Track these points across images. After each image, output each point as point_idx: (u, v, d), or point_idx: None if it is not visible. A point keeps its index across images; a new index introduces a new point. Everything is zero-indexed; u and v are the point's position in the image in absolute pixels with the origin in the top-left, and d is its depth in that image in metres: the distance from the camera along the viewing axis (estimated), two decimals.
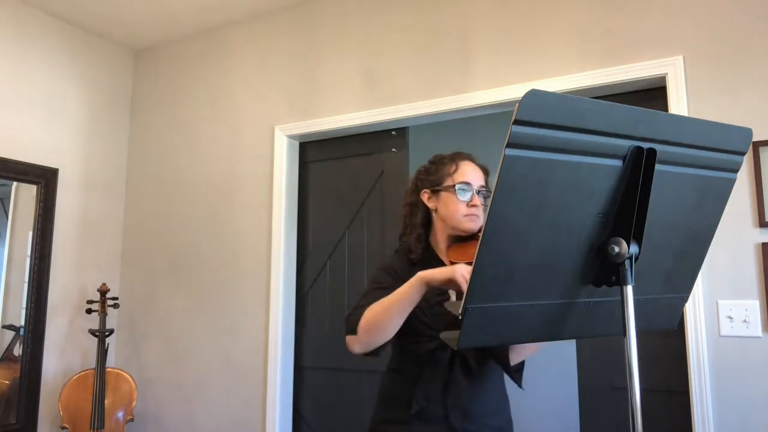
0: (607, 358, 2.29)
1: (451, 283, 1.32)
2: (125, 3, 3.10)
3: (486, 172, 1.63)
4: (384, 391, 1.60)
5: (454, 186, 1.55)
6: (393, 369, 1.60)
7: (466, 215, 1.54)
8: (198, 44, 3.43)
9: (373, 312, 1.42)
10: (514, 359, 1.47)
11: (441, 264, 1.57)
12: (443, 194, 1.57)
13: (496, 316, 0.87)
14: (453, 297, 1.38)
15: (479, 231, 1.55)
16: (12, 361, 2.95)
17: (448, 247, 1.59)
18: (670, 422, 2.14)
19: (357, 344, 1.46)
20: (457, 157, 1.62)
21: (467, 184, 1.55)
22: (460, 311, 0.86)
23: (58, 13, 3.20)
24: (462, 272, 1.31)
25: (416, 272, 1.51)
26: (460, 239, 1.59)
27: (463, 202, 1.54)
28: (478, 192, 1.57)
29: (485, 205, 1.59)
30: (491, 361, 1.52)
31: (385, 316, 1.40)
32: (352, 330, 1.46)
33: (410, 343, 1.54)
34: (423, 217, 1.61)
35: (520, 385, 1.53)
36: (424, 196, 1.61)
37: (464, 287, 1.29)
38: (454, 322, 1.51)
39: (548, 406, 3.58)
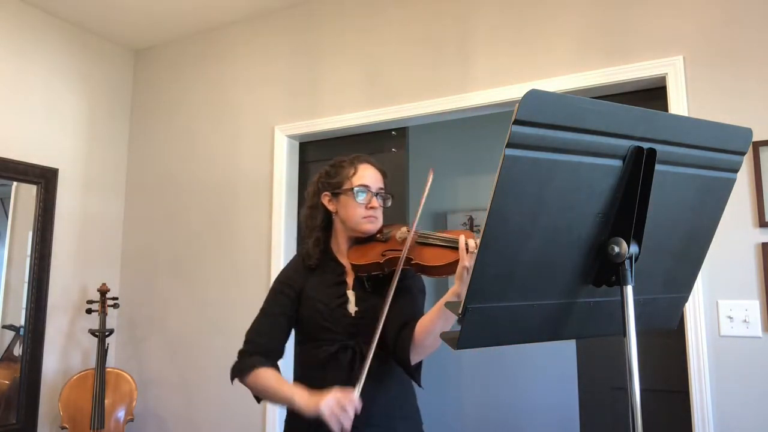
0: (607, 358, 2.29)
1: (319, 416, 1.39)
2: (125, 3, 3.10)
3: (384, 174, 1.68)
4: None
5: (352, 189, 1.59)
6: (298, 378, 1.63)
7: (365, 217, 1.59)
8: (198, 44, 3.43)
9: (255, 387, 1.56)
10: (414, 359, 1.49)
11: (339, 267, 1.63)
12: (342, 197, 1.61)
13: (495, 316, 0.87)
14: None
15: (378, 233, 1.60)
16: (12, 361, 2.95)
17: (349, 248, 1.63)
18: (670, 422, 2.14)
19: (242, 385, 1.60)
20: (356, 160, 1.66)
21: (365, 186, 1.60)
22: (460, 311, 0.86)
23: (58, 12, 3.20)
24: (327, 410, 1.36)
25: (314, 278, 1.61)
26: (360, 241, 1.63)
27: (362, 204, 1.59)
28: (377, 194, 1.62)
29: (384, 207, 1.64)
30: (391, 360, 1.54)
31: (262, 397, 1.57)
32: (239, 379, 1.58)
33: (312, 349, 1.58)
34: (323, 219, 1.66)
35: (419, 384, 1.57)
36: (325, 199, 1.65)
37: (331, 425, 1.35)
38: (354, 324, 1.52)
39: (548, 406, 3.58)
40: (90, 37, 3.42)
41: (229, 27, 3.33)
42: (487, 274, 0.84)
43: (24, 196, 3.05)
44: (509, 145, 0.77)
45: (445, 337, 0.92)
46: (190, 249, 3.26)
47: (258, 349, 1.60)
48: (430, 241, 1.48)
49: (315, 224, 1.66)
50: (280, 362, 1.63)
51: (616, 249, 0.89)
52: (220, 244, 3.16)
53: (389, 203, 1.67)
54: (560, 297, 0.92)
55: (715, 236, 1.04)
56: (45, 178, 3.11)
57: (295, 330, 1.66)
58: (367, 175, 1.62)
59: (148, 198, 3.47)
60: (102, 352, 2.96)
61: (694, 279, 1.07)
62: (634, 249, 0.88)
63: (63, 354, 3.15)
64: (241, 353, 1.62)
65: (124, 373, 3.03)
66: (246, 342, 1.63)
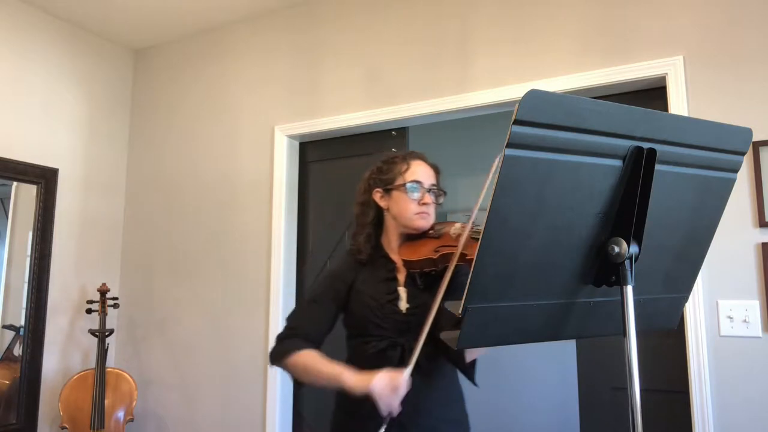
0: (607, 358, 2.29)
1: (368, 396, 1.38)
2: (125, 3, 3.10)
3: (437, 171, 1.66)
4: (339, 395, 1.61)
5: (405, 184, 1.58)
6: None
7: (417, 213, 1.57)
8: (198, 44, 3.43)
9: (296, 368, 1.52)
10: (468, 357, 1.48)
11: (390, 263, 1.62)
12: (395, 193, 1.60)
13: (495, 316, 0.87)
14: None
15: (430, 229, 1.58)
16: (12, 361, 2.95)
17: (400, 245, 1.61)
18: (670, 422, 2.14)
19: (279, 369, 1.56)
20: (408, 157, 1.64)
21: (418, 182, 1.58)
22: (460, 311, 0.86)
23: (58, 12, 3.19)
24: (378, 388, 1.35)
25: (364, 273, 1.58)
26: (412, 237, 1.61)
27: (414, 200, 1.57)
28: (429, 190, 1.60)
29: (436, 204, 1.63)
30: (441, 358, 1.53)
31: (304, 378, 1.53)
32: (278, 362, 1.55)
33: (361, 344, 1.57)
34: (374, 216, 1.64)
35: (474, 382, 1.55)
36: (377, 195, 1.63)
37: (380, 405, 1.36)
38: (405, 321, 1.52)
39: (548, 406, 3.58)
40: (90, 37, 3.42)
41: (229, 27, 3.33)
42: (487, 273, 0.84)
43: (24, 196, 3.05)
44: (509, 145, 0.78)
45: (446, 337, 0.92)
46: (190, 249, 3.26)
47: (298, 333, 1.57)
48: None
49: (366, 221, 1.64)
50: None
51: (616, 249, 0.89)
52: (219, 244, 3.16)
53: (442, 200, 1.64)
54: (560, 297, 0.92)
55: (715, 236, 1.04)
56: (45, 178, 3.10)
57: (344, 325, 1.64)
58: (420, 171, 1.60)
59: (148, 198, 3.47)
60: (102, 352, 2.96)
61: (694, 279, 1.07)
62: (634, 249, 0.88)
63: (63, 354, 3.15)
64: (279, 338, 1.58)
65: (124, 373, 3.03)
66: (286, 327, 1.60)
